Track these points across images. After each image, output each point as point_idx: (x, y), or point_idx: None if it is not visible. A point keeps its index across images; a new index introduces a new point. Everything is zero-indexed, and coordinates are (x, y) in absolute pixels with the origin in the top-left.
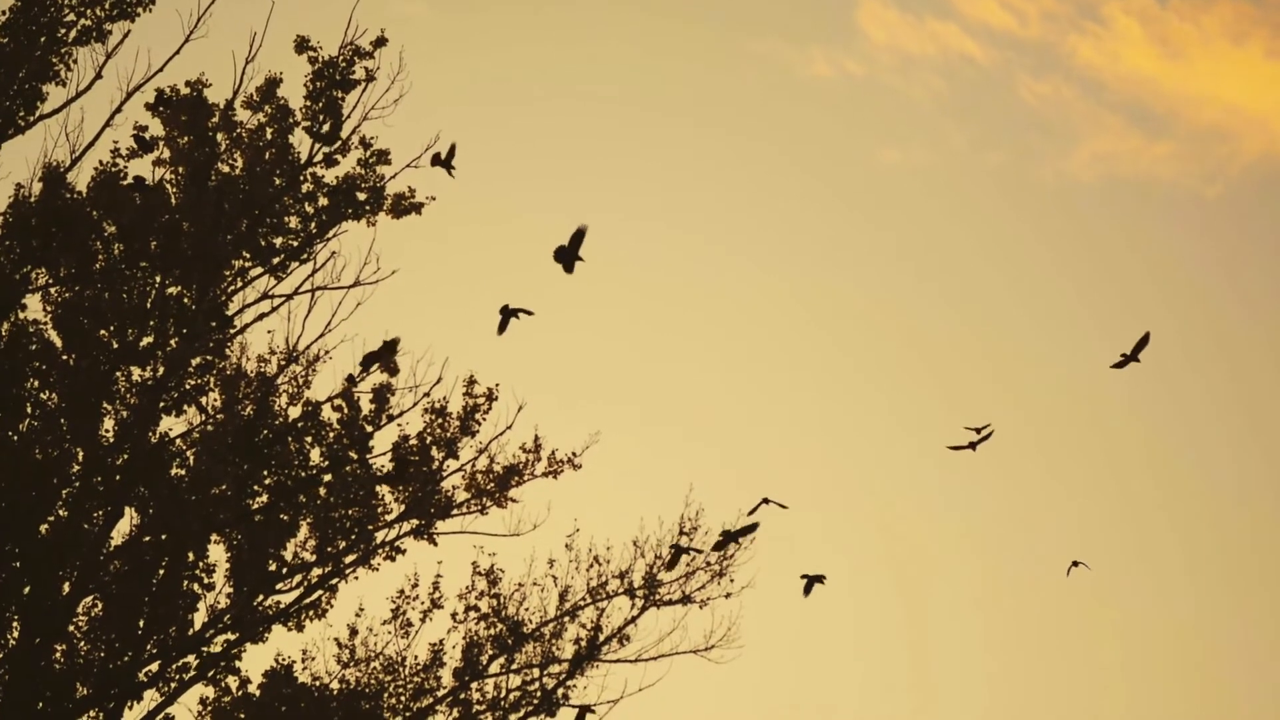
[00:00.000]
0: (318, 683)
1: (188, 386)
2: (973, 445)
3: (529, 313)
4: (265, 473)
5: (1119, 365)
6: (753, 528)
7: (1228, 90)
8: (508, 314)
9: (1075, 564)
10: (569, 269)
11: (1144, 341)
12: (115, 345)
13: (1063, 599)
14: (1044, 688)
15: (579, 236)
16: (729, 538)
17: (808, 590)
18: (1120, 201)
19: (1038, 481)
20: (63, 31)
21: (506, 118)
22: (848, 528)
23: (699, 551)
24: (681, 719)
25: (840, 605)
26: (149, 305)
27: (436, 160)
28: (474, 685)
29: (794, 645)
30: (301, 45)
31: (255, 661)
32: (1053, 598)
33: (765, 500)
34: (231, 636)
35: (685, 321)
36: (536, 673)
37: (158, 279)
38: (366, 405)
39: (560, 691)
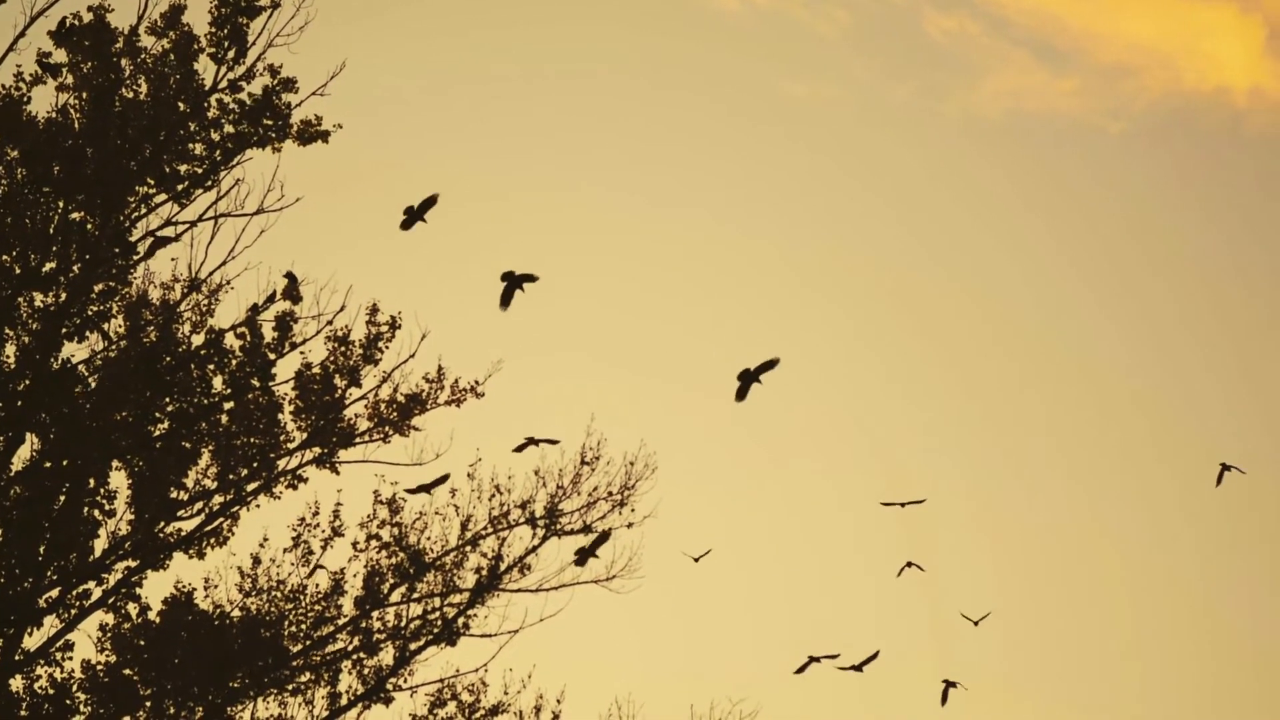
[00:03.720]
0: (218, 610)
1: (90, 313)
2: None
3: (533, 278)
4: (167, 400)
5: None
6: (872, 659)
7: (1133, 27)
8: (513, 283)
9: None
10: (742, 395)
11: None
12: (17, 270)
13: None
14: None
15: (768, 367)
16: (857, 667)
17: (944, 698)
18: (1025, 136)
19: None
20: None
21: (410, 41)
22: (741, 458)
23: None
24: (582, 649)
25: (736, 535)
26: (52, 231)
27: (411, 214)
28: (375, 614)
29: (694, 576)
30: None
31: (156, 589)
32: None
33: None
34: (132, 563)
35: (588, 251)
36: (438, 602)
37: (61, 204)
38: (269, 333)
39: (461, 621)
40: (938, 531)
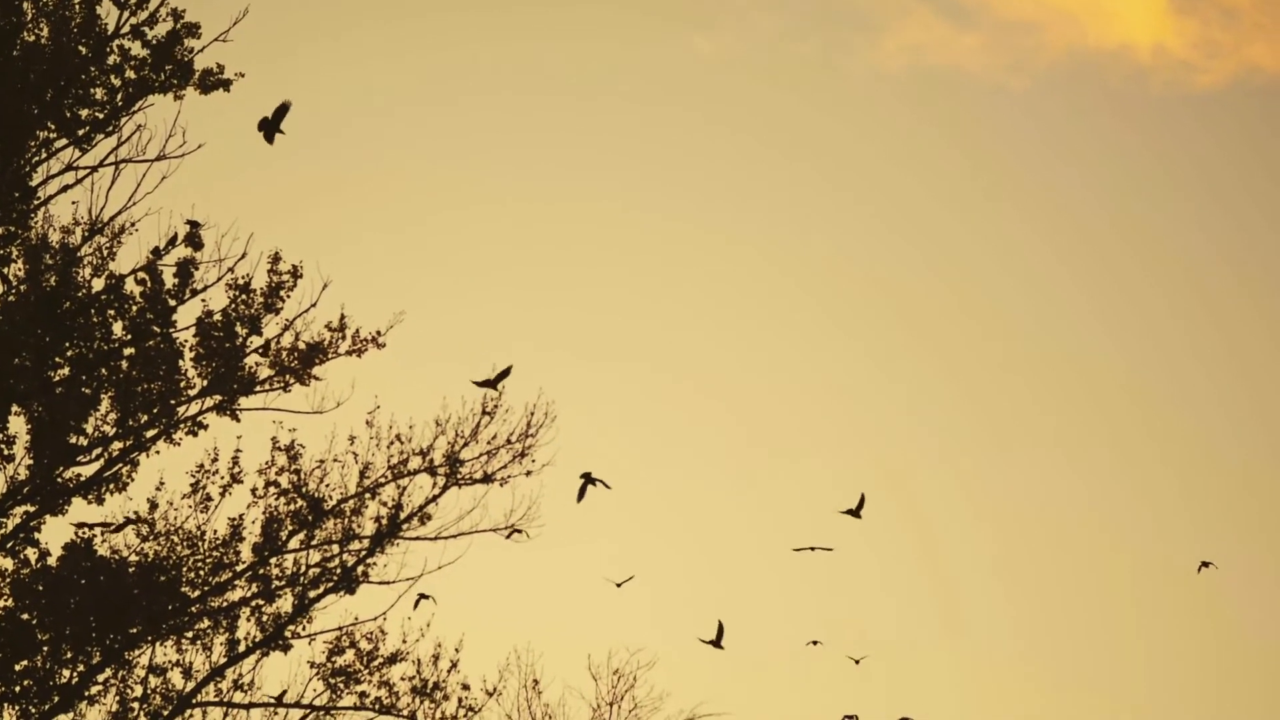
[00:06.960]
0: (116, 556)
1: None
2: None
3: (606, 485)
4: (67, 344)
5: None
6: None
7: None
8: (589, 482)
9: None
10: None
11: (1207, 564)
12: None
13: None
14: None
15: (862, 503)
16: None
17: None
18: (927, 92)
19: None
20: None
21: None
22: (643, 407)
23: None
24: (480, 597)
25: (636, 484)
26: None
27: (265, 125)
28: (273, 560)
29: (593, 527)
30: None
31: (55, 534)
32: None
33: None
34: (31, 508)
35: (486, 203)
36: (336, 549)
37: None
38: (170, 279)
39: (360, 569)
40: (924, 506)
